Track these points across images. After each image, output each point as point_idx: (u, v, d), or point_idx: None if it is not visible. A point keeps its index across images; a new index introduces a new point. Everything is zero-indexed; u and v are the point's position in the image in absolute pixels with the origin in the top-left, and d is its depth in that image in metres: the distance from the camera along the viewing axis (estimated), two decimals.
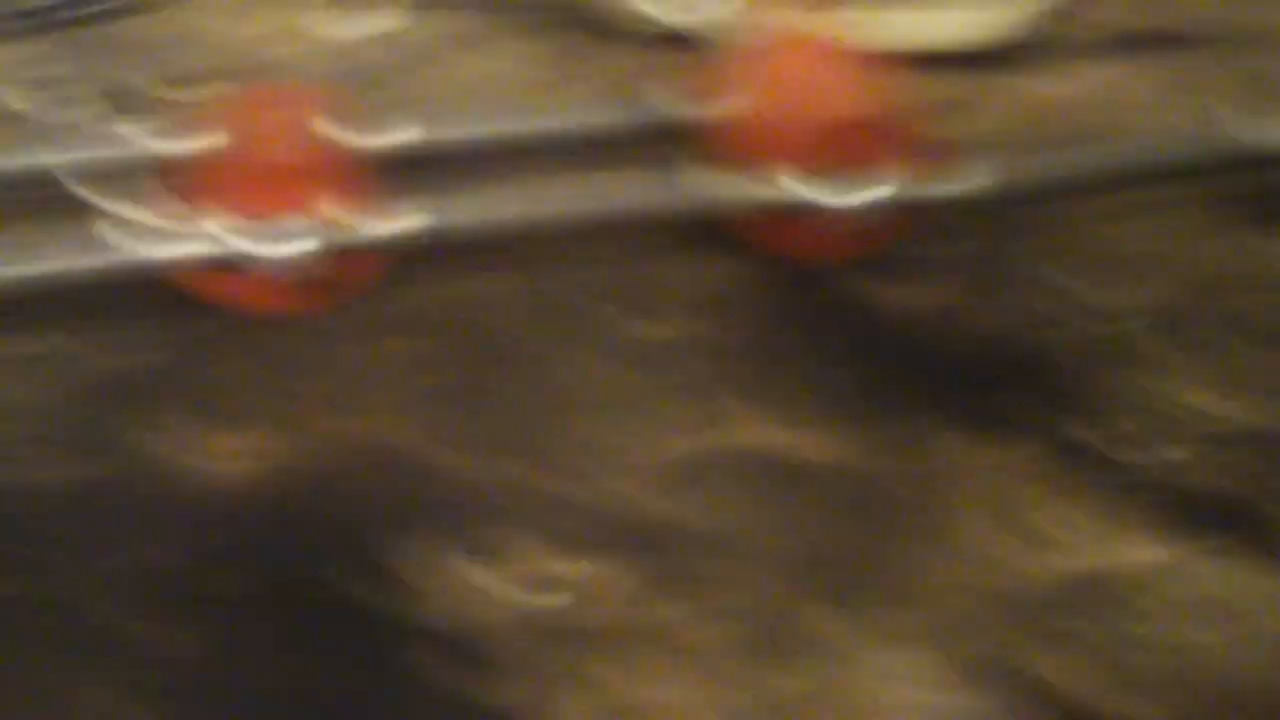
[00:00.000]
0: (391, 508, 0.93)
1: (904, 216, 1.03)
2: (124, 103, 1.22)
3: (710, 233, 1.05)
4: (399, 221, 1.04)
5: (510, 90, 1.23)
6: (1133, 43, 1.24)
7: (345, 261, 1.03)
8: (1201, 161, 1.10)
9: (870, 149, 1.02)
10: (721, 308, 1.05)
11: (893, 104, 1.03)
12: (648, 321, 1.05)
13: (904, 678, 0.85)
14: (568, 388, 1.02)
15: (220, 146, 1.06)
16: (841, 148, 1.02)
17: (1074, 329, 1.03)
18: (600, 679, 0.85)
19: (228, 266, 1.02)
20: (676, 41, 1.23)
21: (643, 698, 0.85)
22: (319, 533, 0.92)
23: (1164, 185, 1.12)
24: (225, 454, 0.96)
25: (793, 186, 1.00)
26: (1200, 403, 1.00)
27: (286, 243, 1.01)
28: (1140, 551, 0.89)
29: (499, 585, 0.89)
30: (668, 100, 1.12)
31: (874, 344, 1.02)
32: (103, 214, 1.05)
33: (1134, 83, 1.23)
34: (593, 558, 0.92)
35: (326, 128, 1.07)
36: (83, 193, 1.07)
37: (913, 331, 1.03)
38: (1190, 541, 0.90)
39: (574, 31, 1.28)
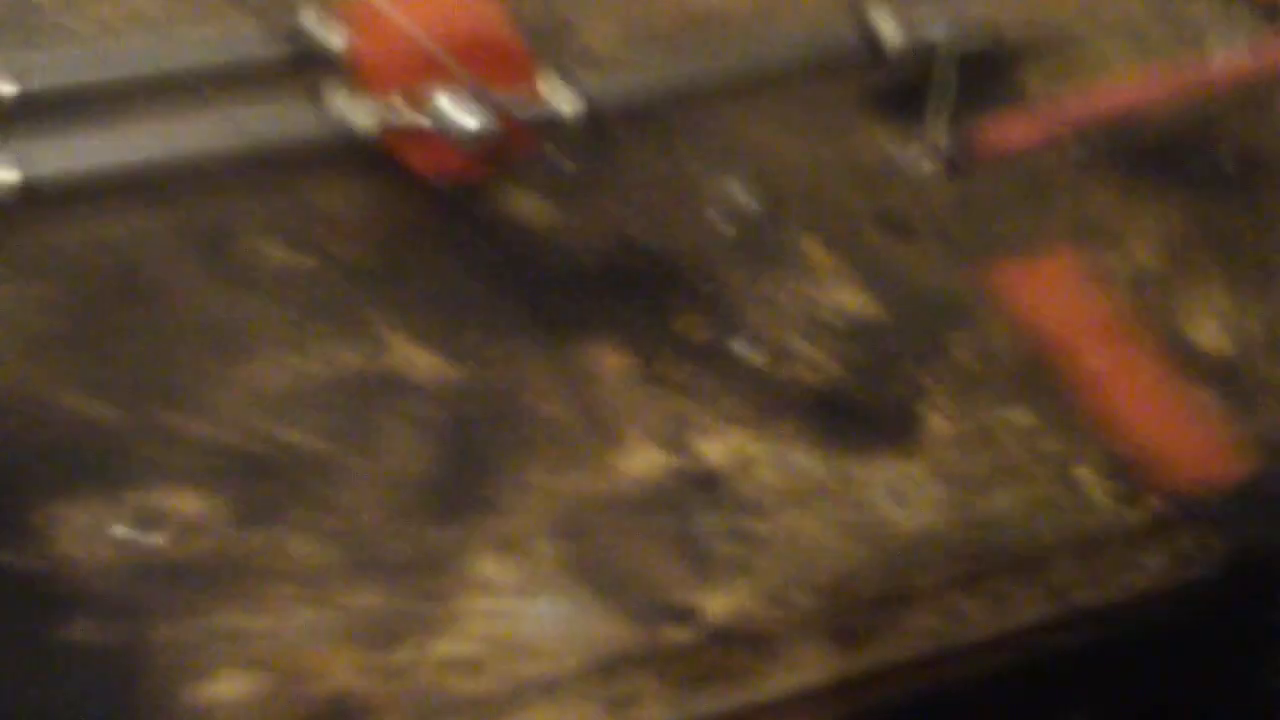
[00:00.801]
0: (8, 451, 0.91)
1: (533, 133, 1.03)
2: None
3: (352, 157, 1.04)
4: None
5: (151, 26, 1.20)
6: None
7: None
8: (840, 58, 1.11)
9: (497, 68, 1.03)
10: (361, 231, 1.05)
11: (510, 26, 1.03)
12: (290, 249, 1.04)
13: (509, 585, 0.87)
14: (203, 322, 1.00)
15: None
16: (471, 68, 1.02)
17: (707, 231, 1.04)
18: (201, 609, 0.83)
19: None
20: None
21: (244, 624, 0.85)
22: None
23: (804, 82, 1.13)
24: None
25: (422, 108, 1.00)
26: (827, 296, 1.02)
27: None
28: (737, 443, 0.91)
29: (106, 524, 0.88)
30: (307, 27, 1.10)
31: (508, 259, 1.02)
32: None
33: None
34: (204, 490, 0.91)
35: None
36: None
37: (543, 244, 1.02)
38: (784, 432, 0.92)
39: None
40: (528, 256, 1.01)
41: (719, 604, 0.84)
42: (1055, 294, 0.95)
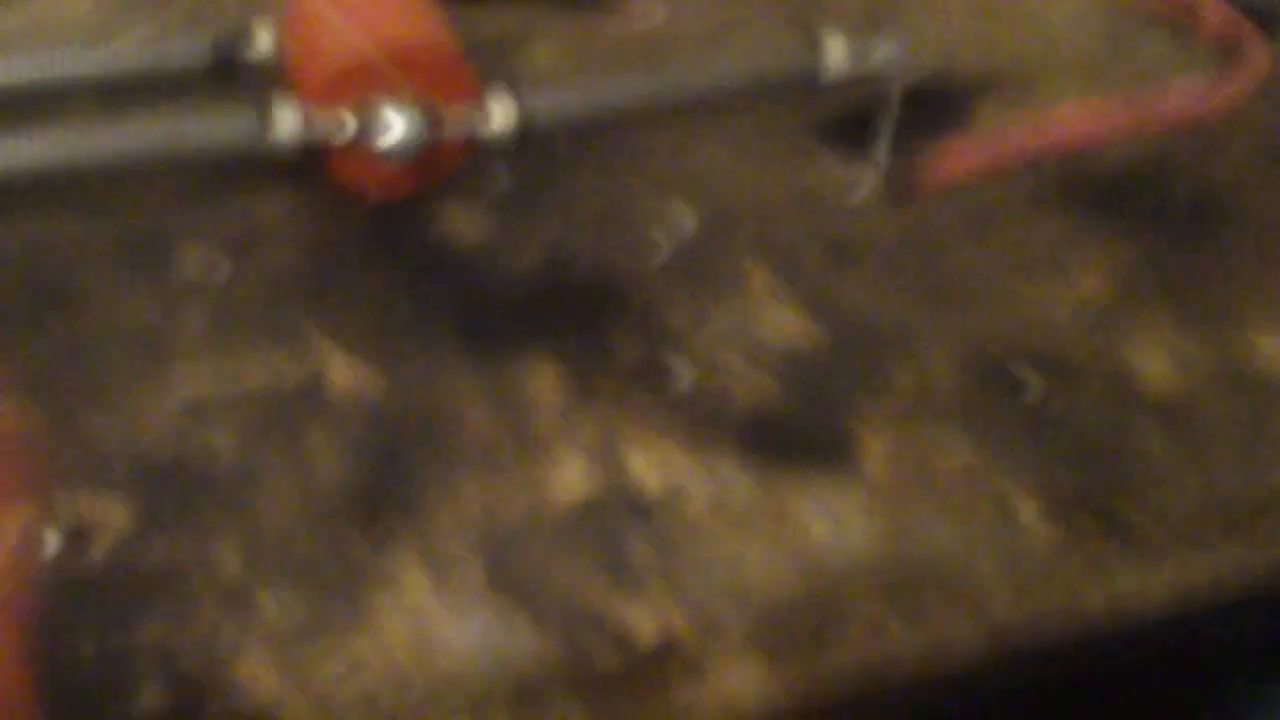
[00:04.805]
0: None
1: (466, 149, 1.02)
2: None
3: (284, 166, 1.02)
4: None
5: (81, 32, 1.18)
6: None
7: None
8: (787, 84, 1.10)
9: (437, 81, 1.01)
10: (293, 241, 1.03)
11: (450, 38, 1.01)
12: (220, 255, 1.02)
13: (435, 601, 0.84)
14: (119, 329, 0.98)
15: None
16: (410, 80, 1.00)
17: (646, 251, 1.03)
18: (104, 620, 0.79)
19: None
20: None
21: (169, 637, 0.82)
22: None
23: (752, 108, 1.12)
24: None
25: (354, 121, 0.98)
26: (768, 319, 1.00)
27: None
28: (669, 462, 0.89)
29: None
30: (243, 32, 1.09)
31: (441, 274, 1.00)
32: None
33: (717, 11, 1.23)
34: (116, 498, 0.88)
35: None
36: None
37: (476, 260, 1.00)
38: (718, 451, 0.90)
39: None
40: (460, 271, 0.99)
41: (648, 626, 0.81)
42: None
